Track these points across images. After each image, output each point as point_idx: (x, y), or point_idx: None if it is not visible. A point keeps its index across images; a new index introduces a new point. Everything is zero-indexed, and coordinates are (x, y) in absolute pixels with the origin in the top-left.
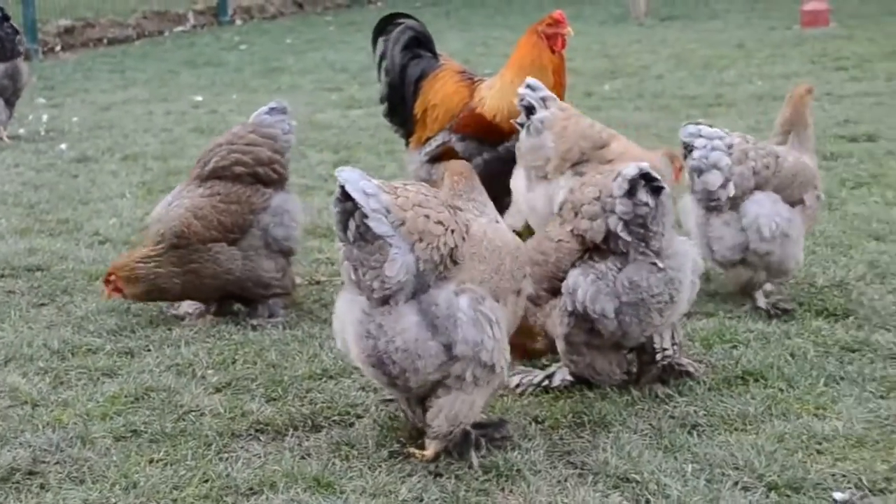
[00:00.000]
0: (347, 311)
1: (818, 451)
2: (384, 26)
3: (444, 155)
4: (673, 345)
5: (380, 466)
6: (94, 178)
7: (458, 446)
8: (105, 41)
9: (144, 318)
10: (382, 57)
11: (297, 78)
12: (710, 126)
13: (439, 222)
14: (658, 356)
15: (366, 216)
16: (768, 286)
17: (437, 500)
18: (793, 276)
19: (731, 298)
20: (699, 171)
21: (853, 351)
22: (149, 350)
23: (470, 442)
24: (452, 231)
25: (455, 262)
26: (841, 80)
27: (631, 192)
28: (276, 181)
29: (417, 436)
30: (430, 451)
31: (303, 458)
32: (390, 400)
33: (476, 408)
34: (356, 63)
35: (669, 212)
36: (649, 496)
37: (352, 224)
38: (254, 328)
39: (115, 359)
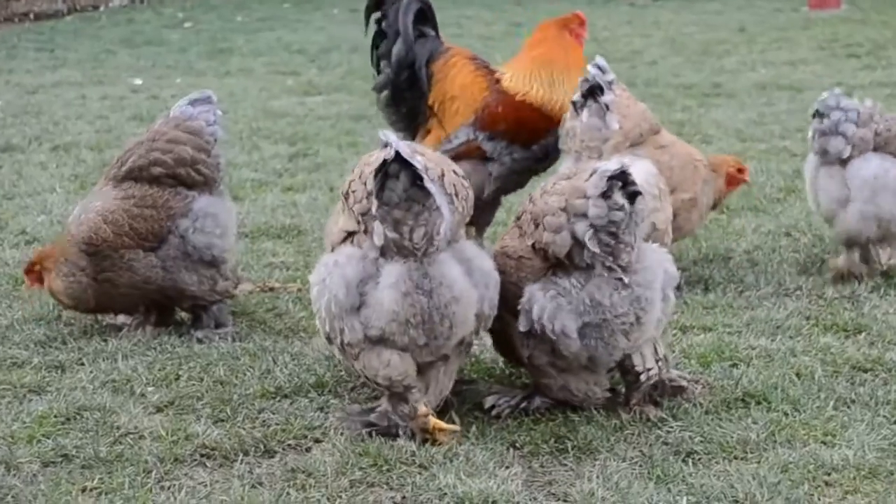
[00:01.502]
0: (374, 275)
1: (826, 483)
2: None
3: (466, 153)
4: (657, 361)
5: (340, 497)
6: (21, 171)
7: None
8: (32, 16)
9: (77, 328)
10: (382, 31)
11: (249, 60)
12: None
13: (462, 177)
14: (642, 377)
15: (420, 178)
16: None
17: None
18: None
19: (732, 311)
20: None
21: (865, 371)
22: (82, 364)
23: (449, 403)
24: (468, 186)
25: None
26: (853, 69)
27: (607, 194)
28: (201, 183)
29: (383, 463)
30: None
31: (254, 486)
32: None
33: (453, 376)
34: (315, 44)
35: (643, 222)
36: None
37: (396, 186)
38: (199, 341)
39: (44, 374)
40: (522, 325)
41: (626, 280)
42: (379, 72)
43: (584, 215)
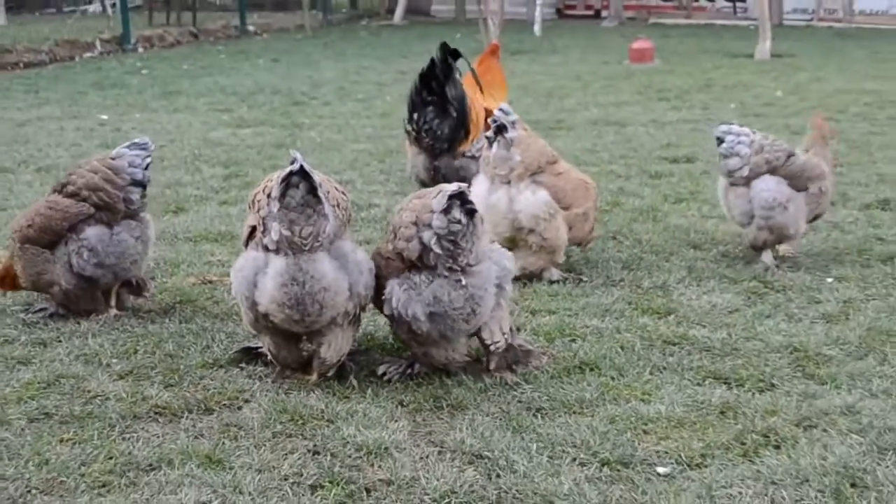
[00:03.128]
0: (263, 267)
1: (644, 432)
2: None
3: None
4: (503, 334)
5: (264, 445)
6: (11, 188)
7: (338, 371)
8: (21, 65)
9: (56, 314)
10: (449, 99)
11: (193, 100)
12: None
13: (343, 194)
14: (491, 347)
15: (315, 187)
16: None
17: (314, 474)
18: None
19: (571, 298)
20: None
21: (674, 344)
22: (59, 341)
23: (347, 368)
24: (347, 199)
25: (348, 224)
26: (664, 109)
27: (447, 210)
28: (103, 208)
29: (299, 418)
30: (315, 377)
31: (196, 437)
32: (256, 352)
33: (350, 340)
34: (244, 87)
35: (482, 233)
36: (499, 471)
37: (296, 193)
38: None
39: (30, 348)
40: (385, 310)
41: (463, 281)
42: (429, 129)
43: (430, 226)
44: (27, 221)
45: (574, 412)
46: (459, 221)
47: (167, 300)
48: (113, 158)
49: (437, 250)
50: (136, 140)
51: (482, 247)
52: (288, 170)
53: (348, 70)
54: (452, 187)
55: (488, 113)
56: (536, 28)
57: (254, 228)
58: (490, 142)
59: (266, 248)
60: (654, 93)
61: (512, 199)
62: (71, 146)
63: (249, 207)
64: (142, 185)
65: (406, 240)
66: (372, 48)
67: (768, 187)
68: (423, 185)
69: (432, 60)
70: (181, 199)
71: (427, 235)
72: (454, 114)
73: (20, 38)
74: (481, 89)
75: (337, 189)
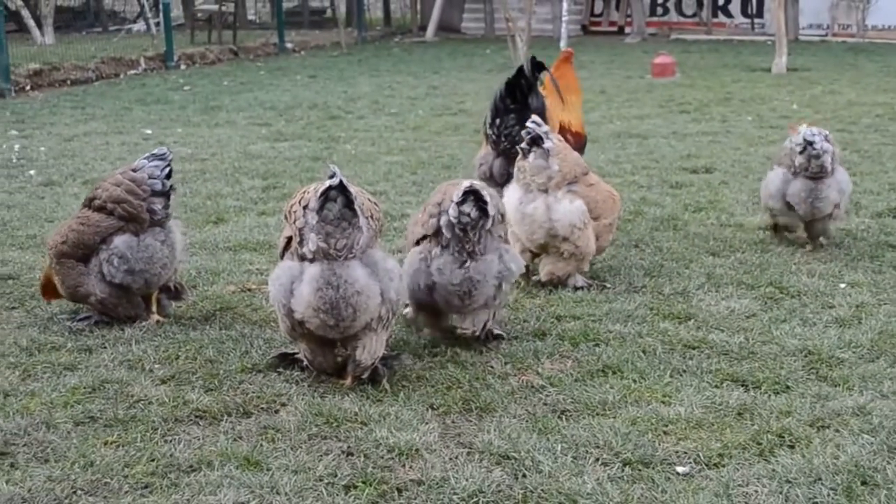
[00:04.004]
0: (299, 276)
1: (664, 433)
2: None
3: None
4: (483, 328)
5: (300, 447)
6: (59, 200)
7: (372, 375)
8: (69, 82)
9: (101, 322)
10: (531, 109)
11: (233, 115)
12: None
13: (375, 205)
14: (468, 333)
15: (351, 201)
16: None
17: (348, 475)
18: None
19: (595, 304)
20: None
21: (693, 348)
22: (104, 347)
23: (380, 372)
24: (380, 213)
25: (380, 234)
26: (684, 122)
27: (461, 203)
28: (127, 219)
29: (333, 420)
30: (349, 381)
31: (235, 440)
32: (293, 357)
33: (383, 344)
34: (283, 102)
35: (495, 226)
36: (525, 471)
37: (334, 207)
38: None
39: (76, 355)
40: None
41: (467, 263)
42: (508, 135)
43: (447, 212)
44: (62, 238)
45: (597, 414)
46: (469, 215)
47: (208, 307)
48: (134, 170)
49: (447, 234)
50: (156, 151)
51: (492, 242)
52: (327, 184)
53: (382, 85)
54: (466, 184)
55: (562, 126)
56: (562, 44)
57: (290, 240)
58: (525, 153)
59: (302, 258)
60: (675, 106)
61: (549, 208)
62: (116, 160)
63: (285, 219)
64: (163, 194)
65: (430, 216)
66: (405, 64)
67: (847, 178)
68: (487, 181)
69: (520, 70)
70: (221, 209)
71: (443, 219)
72: None
73: (67, 57)
74: (561, 96)
75: (370, 200)
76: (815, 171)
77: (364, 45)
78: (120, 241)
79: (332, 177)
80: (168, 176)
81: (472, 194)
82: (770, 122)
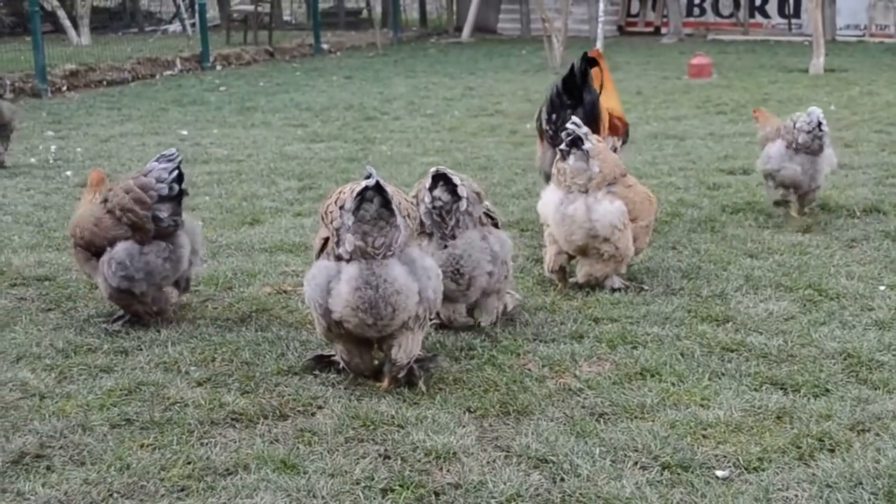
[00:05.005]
0: (336, 275)
1: (703, 436)
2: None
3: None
4: (494, 310)
5: (337, 450)
6: None
7: (408, 377)
8: (105, 83)
9: (137, 322)
10: (585, 104)
11: (269, 116)
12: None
13: (411, 204)
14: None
15: (388, 201)
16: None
17: (385, 478)
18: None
19: (632, 306)
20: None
21: (732, 351)
22: (140, 349)
23: (416, 374)
24: (415, 209)
25: (417, 232)
26: (721, 123)
27: (432, 188)
28: (135, 229)
29: (370, 423)
30: (386, 383)
31: (272, 443)
32: (329, 360)
33: (419, 344)
34: (318, 103)
35: (472, 210)
36: (563, 475)
37: (370, 207)
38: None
39: (112, 357)
40: None
41: (447, 245)
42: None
43: (423, 201)
44: (79, 231)
45: (635, 417)
46: (440, 199)
47: (244, 309)
48: (145, 175)
49: (427, 220)
50: (165, 152)
51: (471, 222)
52: (364, 184)
53: (418, 86)
54: (433, 170)
55: (609, 115)
56: (599, 45)
57: (326, 241)
58: (565, 154)
59: (338, 258)
60: (712, 107)
61: (589, 209)
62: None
63: (322, 220)
64: (171, 199)
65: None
66: (441, 65)
67: (833, 154)
68: (549, 178)
69: (572, 67)
70: (257, 211)
71: (421, 209)
72: (587, 118)
73: (104, 58)
74: (600, 89)
75: (407, 200)
76: (815, 148)
77: (400, 45)
78: (121, 248)
79: (368, 177)
80: (178, 179)
81: (440, 178)
82: None
